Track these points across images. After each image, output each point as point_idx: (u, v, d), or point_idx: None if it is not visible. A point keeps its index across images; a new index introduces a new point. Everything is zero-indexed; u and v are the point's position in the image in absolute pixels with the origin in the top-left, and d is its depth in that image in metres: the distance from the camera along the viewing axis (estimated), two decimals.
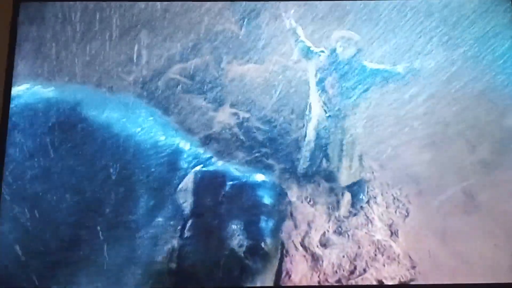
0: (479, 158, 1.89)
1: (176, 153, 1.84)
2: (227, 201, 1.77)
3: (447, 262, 1.76)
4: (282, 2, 2.05)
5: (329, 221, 1.85)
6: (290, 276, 1.73)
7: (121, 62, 1.99)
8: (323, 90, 1.96)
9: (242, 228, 1.72)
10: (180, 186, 1.78)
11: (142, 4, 2.04)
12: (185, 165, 1.82)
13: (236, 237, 1.71)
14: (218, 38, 2.04)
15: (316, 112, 1.95)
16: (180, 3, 2.04)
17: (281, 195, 1.84)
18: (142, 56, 2.01)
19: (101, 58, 1.99)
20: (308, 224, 1.83)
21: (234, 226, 1.73)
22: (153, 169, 1.80)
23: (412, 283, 1.72)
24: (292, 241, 1.79)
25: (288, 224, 1.82)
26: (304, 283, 1.72)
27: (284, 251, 1.77)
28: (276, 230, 1.76)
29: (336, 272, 1.75)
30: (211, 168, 1.83)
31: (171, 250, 1.71)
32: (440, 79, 1.97)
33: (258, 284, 1.70)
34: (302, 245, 1.79)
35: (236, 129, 1.96)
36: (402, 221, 1.84)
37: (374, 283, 1.73)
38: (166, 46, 2.02)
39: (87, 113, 1.86)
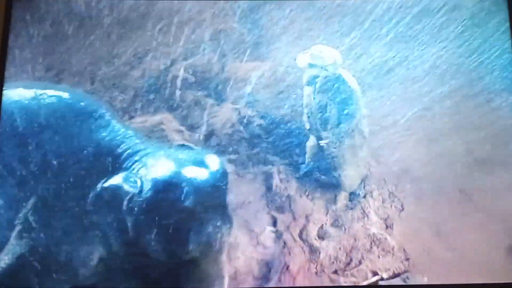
0: (474, 156, 1.95)
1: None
2: (128, 213, 1.61)
3: (441, 255, 1.82)
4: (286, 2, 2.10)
5: (326, 214, 1.91)
6: (288, 267, 1.79)
7: (126, 60, 2.05)
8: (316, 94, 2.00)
9: (157, 241, 1.59)
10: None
11: (144, 3, 2.08)
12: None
13: (155, 248, 1.60)
14: (221, 36, 2.09)
15: (313, 113, 2.00)
16: (186, 2, 2.08)
17: (216, 186, 1.67)
18: (147, 54, 2.06)
19: (102, 55, 2.04)
20: (306, 218, 1.89)
21: (151, 237, 1.59)
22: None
23: (406, 274, 1.78)
24: (291, 233, 1.85)
25: (286, 217, 1.88)
26: (301, 274, 1.78)
27: (283, 243, 1.82)
28: (200, 233, 1.61)
29: (333, 263, 1.81)
30: (114, 180, 1.62)
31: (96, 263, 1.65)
32: (436, 80, 2.02)
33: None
34: (300, 237, 1.85)
35: (237, 125, 2.02)
36: (397, 215, 1.90)
37: (369, 274, 1.79)
38: (171, 44, 2.07)
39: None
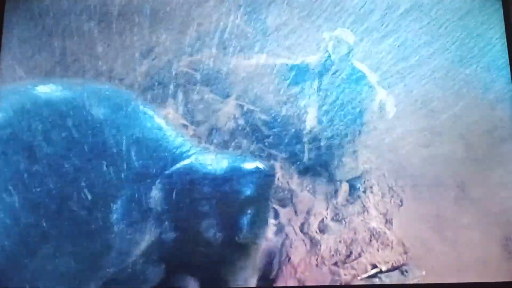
0: (471, 152, 1.99)
1: (159, 146, 1.84)
2: (202, 197, 1.77)
3: (438, 249, 1.87)
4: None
5: (327, 208, 1.95)
6: (290, 259, 1.83)
7: (131, 55, 2.08)
8: (319, 88, 2.04)
9: (215, 223, 1.74)
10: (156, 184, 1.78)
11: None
12: (166, 159, 1.81)
13: (210, 232, 1.74)
14: (225, 32, 2.12)
15: (314, 108, 2.03)
16: None
17: (267, 180, 1.87)
18: (152, 49, 2.09)
19: (108, 51, 2.07)
20: (308, 211, 1.93)
21: (208, 221, 1.75)
22: (135, 163, 1.79)
23: (404, 267, 1.82)
24: (292, 226, 1.90)
25: (288, 210, 1.92)
26: (302, 266, 1.83)
27: (284, 235, 1.87)
28: (254, 222, 1.80)
29: (333, 256, 1.85)
30: (185, 162, 1.81)
31: (149, 243, 1.73)
32: (435, 79, 2.06)
33: (240, 274, 1.77)
34: (302, 230, 1.89)
35: (241, 120, 2.06)
36: (396, 210, 1.95)
37: (369, 267, 1.84)
38: (175, 39, 2.10)
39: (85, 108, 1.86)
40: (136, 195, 1.75)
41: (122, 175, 1.77)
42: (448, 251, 1.87)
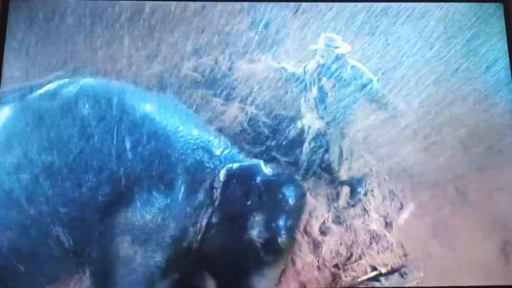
0: (471, 157, 2.02)
1: (208, 147, 1.90)
2: (254, 195, 1.82)
3: (438, 252, 1.90)
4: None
5: (328, 211, 1.98)
6: (292, 260, 1.86)
7: (135, 59, 2.11)
8: (318, 91, 2.07)
9: (263, 221, 1.79)
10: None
11: (154, 3, 2.14)
12: (218, 161, 1.88)
13: (256, 228, 1.79)
14: (229, 37, 2.15)
15: (311, 111, 2.06)
16: (194, 3, 2.14)
17: (303, 195, 1.93)
18: (157, 52, 2.12)
19: (112, 54, 2.10)
20: (309, 213, 1.96)
21: (256, 218, 1.80)
22: (189, 161, 1.84)
23: (403, 269, 1.86)
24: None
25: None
26: (305, 268, 1.86)
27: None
28: (292, 229, 1.85)
29: (334, 257, 1.88)
30: (244, 163, 1.90)
31: (195, 233, 1.79)
32: (434, 81, 2.09)
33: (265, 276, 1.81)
34: (304, 232, 1.92)
35: (244, 124, 2.09)
36: (396, 213, 1.98)
37: (369, 269, 1.87)
38: (180, 44, 2.13)
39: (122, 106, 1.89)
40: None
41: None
42: (447, 254, 1.90)
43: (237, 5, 2.15)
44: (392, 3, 2.12)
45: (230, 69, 2.13)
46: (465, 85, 2.08)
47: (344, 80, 2.05)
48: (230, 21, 2.16)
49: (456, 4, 2.12)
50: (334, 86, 2.06)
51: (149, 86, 2.09)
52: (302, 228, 1.93)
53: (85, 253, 1.75)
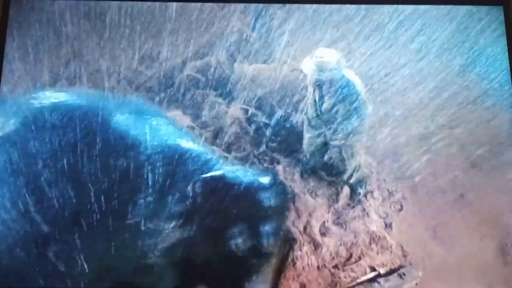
0: (470, 159, 2.04)
1: (184, 154, 1.83)
2: (232, 204, 1.78)
3: (437, 252, 1.91)
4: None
5: (328, 212, 2.00)
6: (292, 260, 1.87)
7: (139, 60, 2.13)
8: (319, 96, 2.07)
9: (245, 229, 1.78)
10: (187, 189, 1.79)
11: (153, 4, 2.14)
12: (192, 167, 1.81)
13: (240, 238, 1.77)
14: (231, 39, 2.16)
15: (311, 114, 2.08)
16: (196, 4, 2.15)
17: (284, 192, 1.92)
18: (159, 54, 2.14)
19: (115, 56, 2.11)
20: (309, 214, 1.97)
21: (239, 227, 1.78)
22: (160, 169, 1.77)
23: (402, 270, 1.87)
24: (297, 228, 1.94)
25: (291, 213, 1.97)
26: (305, 269, 1.87)
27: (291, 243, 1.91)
28: (276, 230, 1.84)
29: (334, 258, 1.89)
30: (216, 172, 1.82)
31: (173, 247, 1.74)
32: (434, 85, 2.10)
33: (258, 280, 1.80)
34: (304, 233, 1.93)
35: (245, 124, 2.10)
36: (396, 214, 1.99)
37: (368, 269, 1.88)
38: (182, 45, 2.14)
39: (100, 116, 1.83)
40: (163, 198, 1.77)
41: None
42: (446, 255, 1.91)
43: (240, 6, 2.17)
44: (391, 6, 2.13)
45: (231, 70, 2.14)
46: (464, 87, 2.10)
47: (339, 94, 2.02)
48: (233, 22, 2.17)
49: (456, 7, 2.13)
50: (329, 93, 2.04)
51: (151, 87, 2.11)
52: (302, 228, 1.94)
53: None
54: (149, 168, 1.75)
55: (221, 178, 1.81)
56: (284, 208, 1.92)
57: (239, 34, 2.17)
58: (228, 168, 1.85)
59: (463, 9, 2.13)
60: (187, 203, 1.76)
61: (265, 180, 1.88)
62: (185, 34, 2.14)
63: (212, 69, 2.14)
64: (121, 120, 1.81)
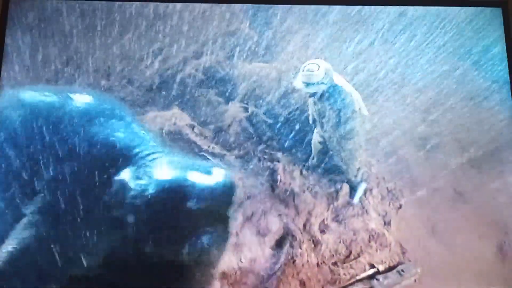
0: (468, 157, 2.05)
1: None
2: (142, 211, 1.62)
3: (435, 250, 1.93)
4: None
5: (328, 210, 2.01)
6: (292, 257, 1.88)
7: (139, 58, 2.14)
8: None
9: (185, 238, 1.63)
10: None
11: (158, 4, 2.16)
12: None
13: (184, 247, 1.63)
14: (231, 38, 2.18)
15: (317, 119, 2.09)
16: (198, 4, 2.17)
17: (226, 192, 1.71)
18: (160, 52, 2.15)
19: (115, 54, 2.12)
20: (309, 212, 1.98)
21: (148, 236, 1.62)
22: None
23: (401, 267, 1.88)
24: (297, 226, 1.95)
25: (290, 211, 1.98)
26: (305, 266, 1.88)
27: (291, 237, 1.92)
28: (197, 238, 1.65)
29: (333, 255, 1.91)
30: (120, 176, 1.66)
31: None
32: (433, 83, 2.12)
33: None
34: (304, 230, 1.94)
35: (245, 122, 2.12)
36: (395, 212, 2.01)
37: (367, 266, 1.89)
38: (183, 43, 2.16)
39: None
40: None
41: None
42: (444, 253, 1.92)
43: (241, 6, 2.18)
44: (390, 7, 2.15)
45: (231, 69, 2.16)
46: (464, 87, 2.11)
47: (330, 104, 2.02)
48: (233, 21, 2.19)
49: (455, 8, 2.15)
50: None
51: (152, 85, 2.12)
52: (301, 226, 1.95)
53: None
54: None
55: (123, 184, 1.63)
56: (226, 210, 1.71)
57: (239, 33, 2.18)
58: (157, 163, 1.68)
59: (462, 11, 2.15)
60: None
61: (198, 177, 1.67)
62: (185, 32, 2.16)
63: (212, 67, 2.16)
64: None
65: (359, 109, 2.02)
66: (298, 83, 2.01)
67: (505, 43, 2.11)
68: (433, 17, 2.15)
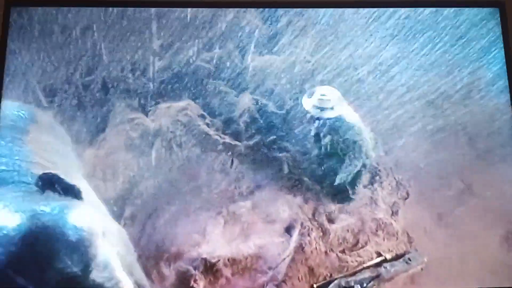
0: (475, 148, 2.07)
1: None
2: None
3: (442, 240, 1.96)
4: None
5: (336, 200, 2.04)
6: (301, 245, 1.93)
7: (152, 51, 2.18)
8: None
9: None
10: None
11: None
12: None
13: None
14: (242, 30, 2.21)
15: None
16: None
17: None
18: (172, 45, 2.19)
19: (130, 46, 2.17)
20: (317, 201, 2.02)
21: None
22: None
23: (407, 256, 1.92)
24: (306, 215, 1.99)
25: (299, 200, 2.02)
26: (313, 253, 1.92)
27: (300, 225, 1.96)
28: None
29: (341, 243, 1.95)
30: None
31: None
32: (441, 75, 2.14)
33: None
34: (313, 219, 1.98)
35: (255, 113, 2.15)
36: (402, 202, 2.04)
37: (374, 255, 1.93)
38: (193, 36, 2.19)
39: None
40: None
41: None
42: (451, 243, 1.95)
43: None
44: (387, 9, 2.17)
45: (242, 61, 2.19)
46: (471, 80, 2.13)
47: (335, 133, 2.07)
48: (243, 14, 2.21)
49: (453, 9, 2.17)
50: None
51: (162, 79, 2.16)
52: (310, 215, 1.99)
53: None
54: None
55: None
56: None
57: (250, 26, 2.21)
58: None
59: (459, 11, 2.17)
60: None
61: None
62: (196, 25, 2.19)
63: (223, 59, 2.19)
64: None
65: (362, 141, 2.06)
66: (307, 104, 2.08)
67: (502, 44, 2.13)
68: (431, 18, 2.17)
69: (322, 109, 2.07)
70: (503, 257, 1.94)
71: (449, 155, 2.07)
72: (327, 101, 2.06)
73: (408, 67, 2.15)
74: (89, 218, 1.60)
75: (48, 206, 1.58)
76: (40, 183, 1.70)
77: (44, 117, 2.03)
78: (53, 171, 1.74)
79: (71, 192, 1.69)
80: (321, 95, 2.07)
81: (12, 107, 1.99)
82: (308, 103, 2.09)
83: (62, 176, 1.72)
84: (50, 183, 1.69)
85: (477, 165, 2.06)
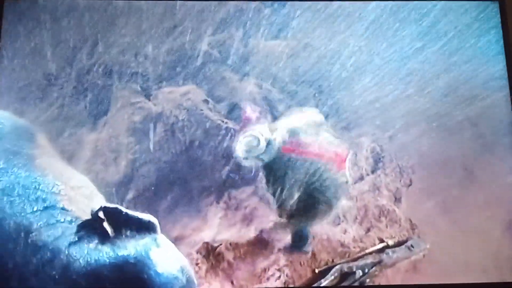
0: (479, 135, 2.07)
1: None
2: None
3: (444, 227, 1.96)
4: None
5: None
6: None
7: (155, 35, 2.16)
8: None
9: None
10: None
11: None
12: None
13: None
14: (246, 15, 2.19)
15: None
16: None
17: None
18: (175, 28, 2.17)
19: (132, 31, 2.15)
20: None
21: None
22: None
23: (410, 242, 1.92)
24: None
25: None
26: (315, 239, 1.92)
27: None
28: None
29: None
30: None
31: None
32: (444, 64, 2.13)
33: None
34: None
35: (258, 99, 2.14)
36: (405, 189, 2.03)
37: (377, 241, 1.93)
38: (198, 20, 2.18)
39: None
40: None
41: None
42: (453, 230, 1.95)
43: None
44: (387, 2, 2.15)
45: (246, 46, 2.18)
46: (475, 70, 2.12)
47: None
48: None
49: (451, 2, 2.15)
50: None
51: (165, 63, 2.14)
52: None
53: None
54: None
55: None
56: None
57: (254, 10, 2.19)
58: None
59: (458, 5, 2.15)
60: None
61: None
62: (199, 9, 2.17)
63: (226, 44, 2.17)
64: None
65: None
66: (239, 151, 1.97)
67: (502, 38, 2.11)
68: (429, 12, 2.15)
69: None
70: (505, 245, 1.95)
71: (452, 143, 2.06)
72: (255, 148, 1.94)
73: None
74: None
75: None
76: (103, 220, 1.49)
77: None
78: (110, 204, 1.53)
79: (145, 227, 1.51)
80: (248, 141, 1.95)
81: None
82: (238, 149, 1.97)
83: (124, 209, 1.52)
84: (117, 220, 1.50)
85: (481, 154, 2.06)
